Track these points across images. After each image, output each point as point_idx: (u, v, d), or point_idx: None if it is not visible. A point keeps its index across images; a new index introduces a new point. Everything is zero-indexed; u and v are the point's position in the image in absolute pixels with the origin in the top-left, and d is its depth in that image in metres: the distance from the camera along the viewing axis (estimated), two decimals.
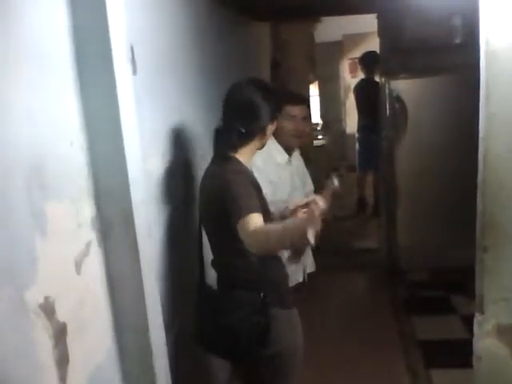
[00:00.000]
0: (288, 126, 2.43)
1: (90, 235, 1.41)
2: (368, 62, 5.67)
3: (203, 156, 2.54)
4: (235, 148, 1.87)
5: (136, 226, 1.46)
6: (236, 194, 1.72)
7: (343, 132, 8.73)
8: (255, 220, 1.65)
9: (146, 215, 1.55)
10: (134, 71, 1.50)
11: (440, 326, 3.48)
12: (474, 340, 1.52)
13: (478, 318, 1.50)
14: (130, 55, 1.51)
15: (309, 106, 2.77)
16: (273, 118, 1.91)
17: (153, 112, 1.83)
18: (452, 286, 3.87)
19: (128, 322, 1.50)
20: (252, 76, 2.25)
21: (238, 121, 1.84)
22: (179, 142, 2.16)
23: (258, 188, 1.86)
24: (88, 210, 1.41)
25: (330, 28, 6.85)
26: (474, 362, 1.52)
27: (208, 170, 1.95)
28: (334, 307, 3.82)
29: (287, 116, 2.41)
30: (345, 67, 8.69)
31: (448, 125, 3.67)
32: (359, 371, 3.04)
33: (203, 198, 1.95)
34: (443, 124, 3.69)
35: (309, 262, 2.75)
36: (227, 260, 1.93)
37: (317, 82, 7.70)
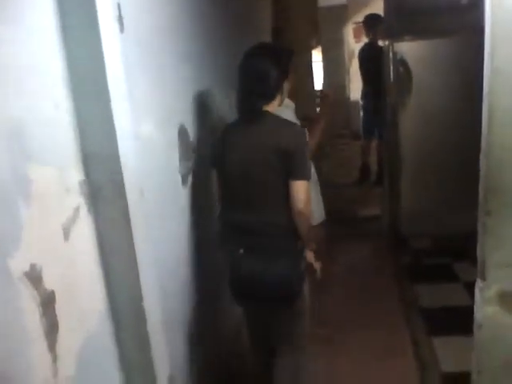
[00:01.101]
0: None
1: (78, 200, 1.36)
2: (370, 24, 5.54)
3: (204, 116, 2.50)
4: (261, 107, 2.07)
5: (127, 191, 1.42)
6: (306, 154, 2.02)
7: (347, 99, 8.59)
8: (308, 189, 2.02)
9: (138, 179, 1.50)
10: (122, 29, 1.43)
11: (443, 293, 3.46)
12: (475, 307, 1.48)
13: (479, 284, 1.45)
14: (117, 13, 1.43)
15: None
16: (286, 77, 2.13)
17: (145, 73, 1.76)
18: (455, 252, 3.83)
19: (121, 288, 1.47)
20: (260, 42, 2.36)
21: (258, 85, 2.05)
22: (178, 103, 2.10)
23: None
24: (76, 175, 1.36)
25: None
26: (475, 329, 1.49)
27: (243, 126, 2.11)
28: (336, 275, 3.80)
29: None
30: (349, 32, 8.49)
31: (454, 89, 3.57)
32: (361, 337, 3.04)
33: (249, 149, 2.05)
34: (449, 88, 3.59)
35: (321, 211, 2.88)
36: (266, 210, 2.07)
37: (320, 48, 7.52)
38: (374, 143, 5.95)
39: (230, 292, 2.21)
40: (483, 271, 1.42)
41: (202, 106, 2.50)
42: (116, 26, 1.40)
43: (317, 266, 2.23)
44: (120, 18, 1.42)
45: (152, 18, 1.86)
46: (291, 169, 1.98)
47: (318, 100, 3.40)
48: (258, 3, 4.92)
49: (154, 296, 1.57)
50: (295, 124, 2.16)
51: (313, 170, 2.80)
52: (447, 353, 2.83)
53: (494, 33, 1.24)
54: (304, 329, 2.29)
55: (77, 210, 1.36)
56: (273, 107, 2.11)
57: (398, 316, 3.28)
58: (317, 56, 7.57)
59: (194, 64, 2.35)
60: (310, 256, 2.20)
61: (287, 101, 2.58)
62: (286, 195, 2.00)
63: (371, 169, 6.06)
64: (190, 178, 2.23)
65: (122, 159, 1.39)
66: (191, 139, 2.24)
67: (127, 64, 1.48)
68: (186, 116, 2.21)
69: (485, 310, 1.44)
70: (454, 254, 3.84)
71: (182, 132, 2.14)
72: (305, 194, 1.99)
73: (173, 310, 1.96)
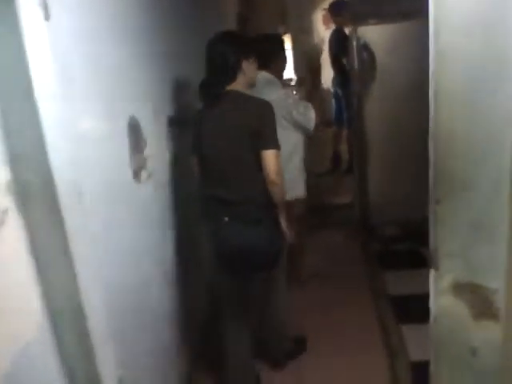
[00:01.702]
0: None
1: (5, 203, 1.27)
2: (336, 10, 5.50)
3: (163, 105, 2.42)
4: (223, 87, 2.21)
5: (60, 192, 1.33)
6: (274, 125, 2.14)
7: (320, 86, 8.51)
8: (279, 159, 2.14)
9: (74, 179, 1.41)
10: (47, 16, 1.33)
11: (411, 279, 3.44)
12: (430, 298, 1.44)
13: (432, 273, 1.41)
14: None
15: None
16: (245, 58, 2.22)
17: (83, 64, 1.66)
18: (423, 238, 3.81)
19: (58, 296, 1.38)
20: (223, 30, 2.36)
21: (218, 68, 2.19)
22: (127, 93, 2.01)
23: None
24: (2, 175, 1.27)
25: None
26: (431, 320, 1.44)
27: (211, 108, 2.22)
28: (308, 265, 3.76)
29: None
30: (318, 19, 8.40)
31: (420, 74, 3.52)
32: (331, 325, 3.01)
33: (220, 129, 2.19)
34: (415, 73, 3.53)
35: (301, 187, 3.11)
36: (242, 185, 2.21)
37: (289, 36, 7.44)
38: (345, 131, 5.91)
39: (214, 262, 2.40)
40: (436, 260, 1.38)
41: (160, 95, 2.42)
42: (40, 12, 1.30)
43: (290, 233, 2.35)
44: (44, 3, 1.32)
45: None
46: (261, 140, 2.11)
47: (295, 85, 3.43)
48: None
49: (98, 313, 1.49)
50: (260, 99, 2.21)
51: (300, 144, 3.06)
52: (416, 341, 2.81)
53: (437, 14, 1.18)
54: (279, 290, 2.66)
55: (5, 212, 1.27)
56: (239, 86, 2.23)
57: (369, 306, 3.25)
58: (286, 44, 7.48)
59: (146, 51, 2.25)
60: (284, 223, 2.30)
61: (270, 77, 2.85)
62: (260, 169, 2.15)
63: (342, 157, 6.02)
64: (145, 173, 2.15)
65: (53, 159, 1.30)
66: (145, 130, 2.14)
67: (57, 55, 1.39)
68: (137, 107, 2.11)
69: (439, 300, 1.40)
70: (422, 240, 3.81)
71: (133, 123, 2.04)
72: (275, 163, 2.12)
73: (123, 317, 1.88)
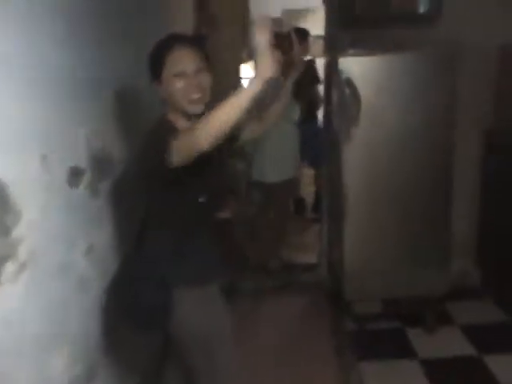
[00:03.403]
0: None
1: None
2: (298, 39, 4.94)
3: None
4: None
5: None
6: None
7: None
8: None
9: None
10: None
11: (395, 373, 2.73)
12: None
13: None
14: None
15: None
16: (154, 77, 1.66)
17: None
18: (409, 319, 3.14)
19: None
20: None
21: None
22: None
23: None
24: None
25: (268, 2, 6.28)
26: None
27: None
28: (261, 343, 3.00)
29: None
30: None
31: (412, 114, 2.88)
32: None
33: None
34: (406, 113, 2.89)
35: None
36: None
37: (252, 62, 6.79)
38: (311, 172, 5.24)
39: None
40: None
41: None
42: None
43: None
44: None
45: None
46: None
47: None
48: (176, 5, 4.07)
49: None
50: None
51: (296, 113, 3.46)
52: None
53: None
54: None
55: None
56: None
57: None
58: (248, 70, 6.83)
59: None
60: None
61: None
62: None
63: (307, 202, 5.32)
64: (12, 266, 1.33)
65: None
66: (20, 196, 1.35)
67: None
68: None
69: None
70: (407, 321, 3.14)
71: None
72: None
73: None
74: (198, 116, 1.56)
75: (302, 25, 6.24)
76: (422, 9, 3.14)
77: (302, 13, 7.05)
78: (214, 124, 1.35)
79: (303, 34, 4.73)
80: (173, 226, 1.72)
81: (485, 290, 3.46)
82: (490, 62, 3.25)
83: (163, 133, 1.53)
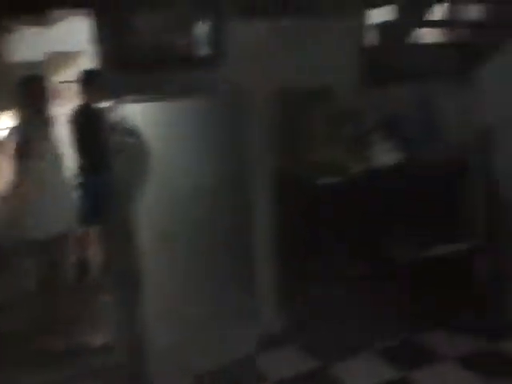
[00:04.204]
0: None
1: None
2: (87, 82, 4.64)
3: None
4: None
5: None
6: None
7: None
8: None
9: None
10: None
11: None
12: None
13: None
14: None
15: None
16: None
17: None
18: None
19: None
20: None
21: None
22: None
23: None
24: None
25: (27, 44, 6.14)
26: None
27: None
28: None
29: None
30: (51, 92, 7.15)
31: (207, 167, 2.60)
32: None
33: None
34: (201, 166, 2.61)
35: None
36: None
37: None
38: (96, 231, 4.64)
39: None
40: None
41: None
42: None
43: None
44: None
45: None
46: None
47: None
48: None
49: None
50: None
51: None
52: None
53: None
54: None
55: None
56: None
57: None
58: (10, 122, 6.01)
59: None
60: None
61: None
62: None
63: (92, 268, 4.67)
64: None
65: None
66: None
67: None
68: None
69: None
70: None
71: None
72: None
73: None
74: None
75: (73, 69, 5.79)
76: (202, 52, 2.94)
77: (71, 56, 6.46)
78: None
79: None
80: None
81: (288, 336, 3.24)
82: (273, 105, 3.17)
83: None
